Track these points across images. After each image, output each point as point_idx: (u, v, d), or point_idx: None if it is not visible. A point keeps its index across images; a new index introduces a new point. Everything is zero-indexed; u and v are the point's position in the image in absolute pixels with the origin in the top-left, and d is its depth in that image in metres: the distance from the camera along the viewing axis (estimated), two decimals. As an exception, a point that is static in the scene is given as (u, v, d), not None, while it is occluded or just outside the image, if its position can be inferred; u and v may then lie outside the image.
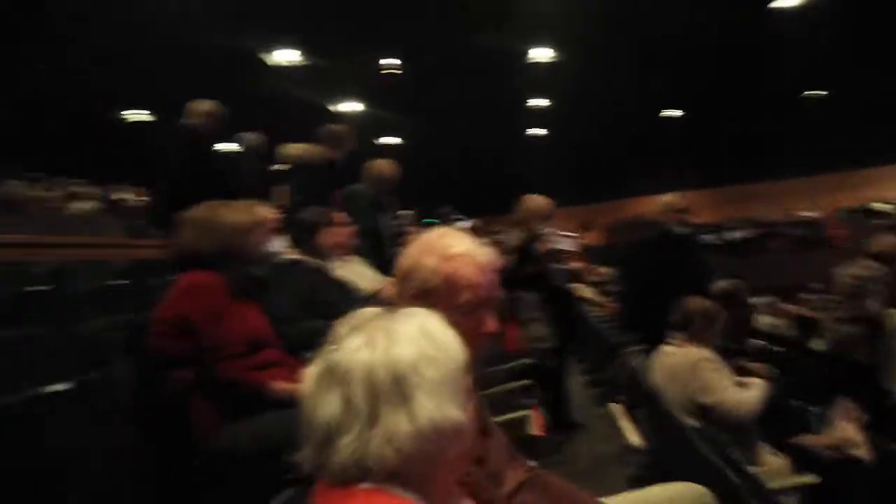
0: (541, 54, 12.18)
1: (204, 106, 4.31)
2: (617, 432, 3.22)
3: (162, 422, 1.86)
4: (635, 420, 3.09)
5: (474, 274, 1.33)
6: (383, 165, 4.59)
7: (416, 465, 0.85)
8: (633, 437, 2.95)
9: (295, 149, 4.72)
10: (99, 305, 2.86)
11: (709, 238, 7.83)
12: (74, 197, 7.75)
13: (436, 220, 10.47)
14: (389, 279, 3.07)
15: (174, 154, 4.15)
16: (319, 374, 0.88)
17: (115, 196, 9.38)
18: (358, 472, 0.83)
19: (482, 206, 13.53)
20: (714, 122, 13.89)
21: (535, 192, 4.32)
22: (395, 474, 0.84)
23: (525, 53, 12.21)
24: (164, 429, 1.86)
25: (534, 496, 1.36)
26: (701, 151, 14.82)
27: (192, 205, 2.34)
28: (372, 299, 2.68)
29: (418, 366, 0.87)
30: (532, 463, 1.49)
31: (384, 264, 3.54)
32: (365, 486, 0.83)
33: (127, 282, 3.58)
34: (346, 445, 0.83)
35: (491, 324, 1.35)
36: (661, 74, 11.89)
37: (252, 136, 5.39)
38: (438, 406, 0.86)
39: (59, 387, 1.70)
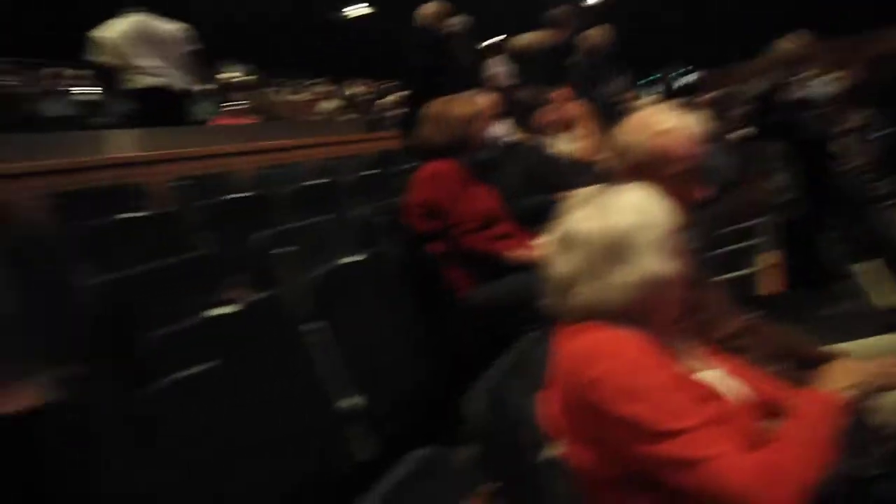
0: None
1: (433, 8, 4.58)
2: (865, 291, 3.06)
3: (426, 286, 2.29)
4: (889, 278, 2.91)
5: (681, 147, 1.47)
6: (595, 35, 4.52)
7: (637, 307, 1.07)
8: (885, 295, 2.80)
9: (521, 38, 4.82)
10: (359, 194, 3.41)
11: None
12: (319, 97, 8.76)
13: (658, 78, 9.84)
14: (584, 144, 3.20)
15: (415, 59, 4.48)
16: (556, 239, 1.13)
17: (349, 92, 10.34)
18: (590, 313, 1.08)
19: (717, 55, 12.27)
20: None
21: (781, 33, 3.91)
22: (619, 314, 1.07)
23: None
24: (429, 292, 2.29)
25: (751, 341, 1.50)
26: None
27: (429, 100, 2.67)
28: (591, 171, 2.83)
29: (635, 230, 1.08)
30: (753, 314, 1.61)
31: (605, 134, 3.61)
32: (595, 323, 1.07)
33: (377, 171, 4.16)
34: (580, 293, 1.08)
35: (699, 191, 1.49)
36: None
37: (462, 20, 5.56)
38: (652, 262, 1.07)
39: (346, 260, 2.18)
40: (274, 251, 2.11)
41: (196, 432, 1.34)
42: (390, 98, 8.71)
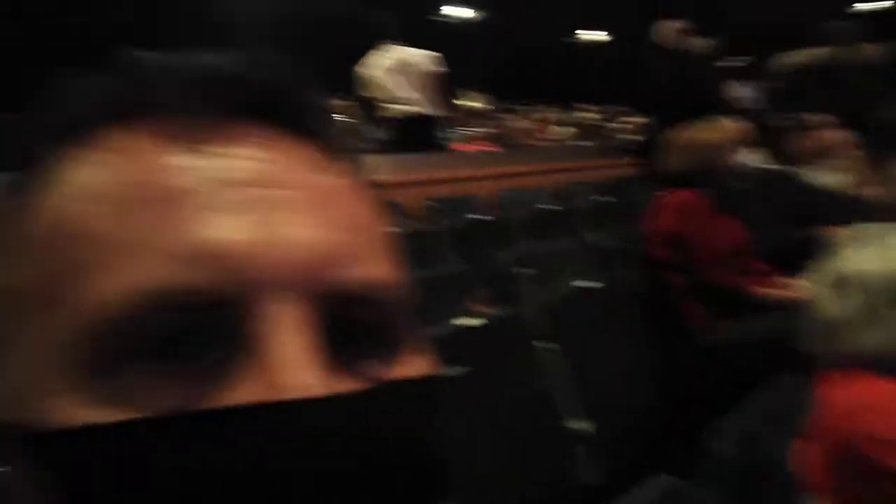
0: None
1: (672, 27, 4.45)
2: None
3: (661, 316, 2.25)
4: None
5: None
6: (868, 51, 4.01)
7: None
8: None
9: (784, 57, 4.46)
10: (594, 220, 3.44)
11: None
12: (551, 122, 8.93)
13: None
14: (848, 176, 2.82)
15: (656, 82, 4.39)
16: (825, 280, 1.06)
17: (581, 118, 10.37)
18: (866, 363, 1.00)
19: None
20: None
21: None
22: None
23: None
24: (663, 322, 2.24)
25: None
26: None
27: (671, 126, 2.61)
28: (858, 206, 2.54)
29: None
30: None
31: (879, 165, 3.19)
32: (871, 373, 0.99)
33: (611, 198, 4.15)
34: (855, 341, 1.01)
35: None
36: None
37: (706, 40, 5.28)
38: None
39: (581, 284, 2.23)
40: (513, 271, 2.24)
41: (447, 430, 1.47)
42: (624, 124, 8.59)
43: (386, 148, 4.40)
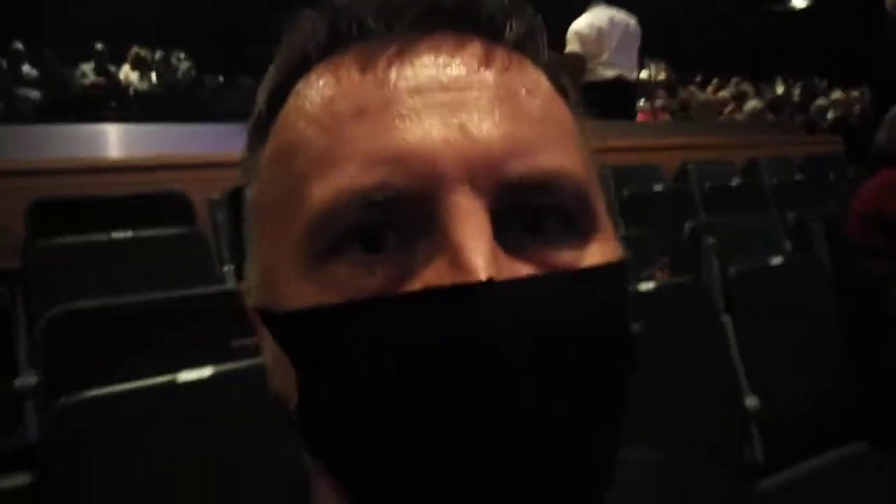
0: None
1: None
2: None
3: (856, 301, 2.11)
4: None
5: None
6: None
7: None
8: None
9: None
10: (784, 197, 3.24)
11: None
12: (743, 96, 8.31)
13: None
14: None
15: (884, 56, 3.91)
16: None
17: (774, 92, 9.53)
18: None
19: None
20: None
21: None
22: None
23: None
24: (859, 308, 2.10)
25: None
26: None
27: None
28: None
29: None
30: None
31: None
32: None
33: (802, 176, 3.87)
34: None
35: None
36: None
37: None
38: None
39: (769, 261, 2.14)
40: (696, 242, 2.22)
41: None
42: (826, 99, 7.80)
43: (586, 112, 4.24)
